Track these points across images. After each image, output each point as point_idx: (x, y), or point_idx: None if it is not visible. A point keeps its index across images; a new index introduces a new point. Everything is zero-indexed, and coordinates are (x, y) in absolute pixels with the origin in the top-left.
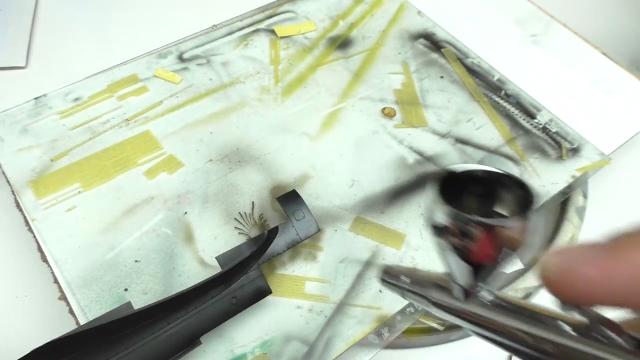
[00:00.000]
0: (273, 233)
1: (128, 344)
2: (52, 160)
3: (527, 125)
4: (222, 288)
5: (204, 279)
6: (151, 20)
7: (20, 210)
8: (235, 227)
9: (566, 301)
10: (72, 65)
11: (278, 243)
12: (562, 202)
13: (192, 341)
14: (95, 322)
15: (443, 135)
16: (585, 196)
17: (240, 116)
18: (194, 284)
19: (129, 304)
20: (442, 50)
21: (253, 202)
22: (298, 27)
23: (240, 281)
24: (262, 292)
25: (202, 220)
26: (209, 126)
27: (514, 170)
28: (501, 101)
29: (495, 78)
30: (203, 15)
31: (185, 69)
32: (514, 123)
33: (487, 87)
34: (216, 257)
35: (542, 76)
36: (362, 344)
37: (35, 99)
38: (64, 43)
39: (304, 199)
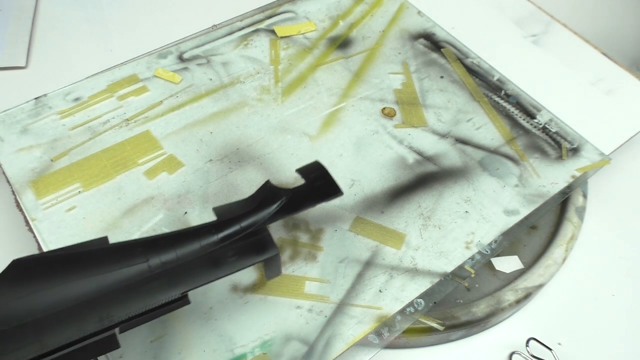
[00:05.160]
0: (284, 191)
1: (100, 285)
2: (52, 160)
3: (527, 125)
4: (216, 240)
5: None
6: (151, 20)
7: (20, 210)
8: None
9: None
10: (72, 65)
11: (294, 202)
12: (562, 202)
13: (179, 294)
14: (66, 249)
15: (443, 135)
16: (585, 196)
17: (240, 116)
18: (180, 229)
19: (105, 238)
20: (442, 50)
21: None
22: (298, 27)
23: (241, 238)
24: (266, 250)
25: (202, 220)
26: (209, 126)
27: (513, 170)
28: (501, 101)
29: (495, 78)
30: (203, 15)
31: (185, 69)
32: (514, 123)
33: (487, 87)
34: (213, 208)
35: (542, 76)
36: (362, 344)
37: (35, 99)
38: (64, 43)
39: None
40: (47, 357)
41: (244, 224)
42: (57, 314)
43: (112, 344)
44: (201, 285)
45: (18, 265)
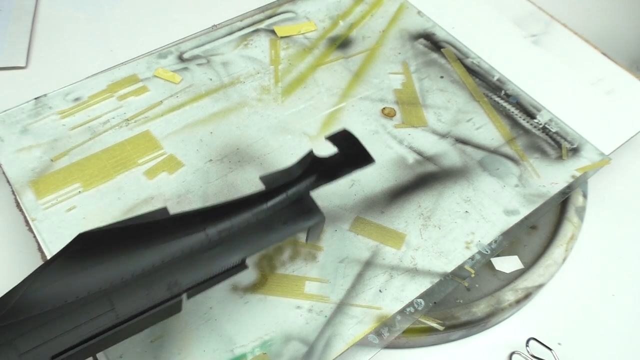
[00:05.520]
0: (322, 158)
1: (164, 254)
2: (52, 160)
3: (527, 125)
4: (265, 208)
5: None
6: (151, 20)
7: (20, 210)
8: None
9: None
10: (72, 65)
11: (331, 170)
12: (562, 202)
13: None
14: (126, 222)
15: (443, 135)
16: (585, 196)
17: (240, 116)
18: (232, 199)
19: (164, 209)
20: (442, 50)
21: None
22: (298, 27)
23: (288, 205)
24: (313, 216)
25: None
26: (209, 126)
27: (513, 170)
28: (501, 101)
29: (495, 78)
30: (203, 15)
31: (185, 69)
32: (514, 123)
33: (487, 87)
34: (260, 177)
35: (542, 76)
36: (362, 344)
37: (35, 99)
38: (64, 43)
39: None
40: (121, 326)
41: (290, 192)
42: (127, 284)
43: (176, 309)
44: (258, 252)
45: (84, 238)
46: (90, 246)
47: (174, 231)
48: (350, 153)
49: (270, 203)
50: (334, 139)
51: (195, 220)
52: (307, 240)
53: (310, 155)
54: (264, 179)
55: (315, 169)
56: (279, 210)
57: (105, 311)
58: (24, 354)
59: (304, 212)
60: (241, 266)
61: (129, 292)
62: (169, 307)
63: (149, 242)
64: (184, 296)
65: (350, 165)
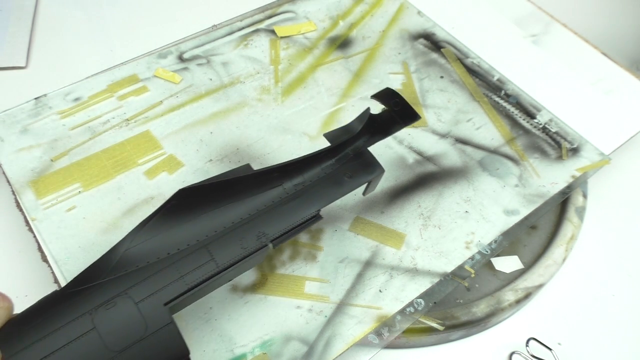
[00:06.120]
0: (375, 115)
1: (250, 208)
2: (52, 160)
3: (527, 125)
4: (332, 163)
5: None
6: (151, 20)
7: (20, 210)
8: None
9: None
10: (72, 65)
11: (383, 126)
12: (562, 202)
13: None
14: (216, 178)
15: (443, 135)
16: (585, 196)
17: (240, 116)
18: (303, 156)
19: (248, 165)
20: (442, 50)
21: None
22: (298, 27)
23: (351, 159)
24: (374, 169)
25: None
26: (209, 126)
27: (513, 170)
28: (501, 101)
29: (495, 78)
30: (203, 15)
31: (185, 69)
32: (514, 123)
33: (487, 87)
34: (324, 134)
35: (542, 76)
36: (362, 344)
37: (35, 99)
38: (64, 43)
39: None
40: (221, 274)
41: (350, 148)
42: (221, 236)
43: (260, 258)
44: (330, 203)
45: (183, 194)
46: (184, 202)
47: (256, 186)
48: (397, 110)
49: (335, 158)
50: (379, 97)
51: (273, 176)
52: (365, 193)
53: (367, 113)
54: (328, 135)
55: (372, 126)
56: (344, 165)
57: (207, 261)
58: (139, 302)
59: (366, 165)
60: (317, 217)
61: (224, 243)
62: (256, 257)
63: (237, 197)
64: (270, 246)
65: (399, 122)
